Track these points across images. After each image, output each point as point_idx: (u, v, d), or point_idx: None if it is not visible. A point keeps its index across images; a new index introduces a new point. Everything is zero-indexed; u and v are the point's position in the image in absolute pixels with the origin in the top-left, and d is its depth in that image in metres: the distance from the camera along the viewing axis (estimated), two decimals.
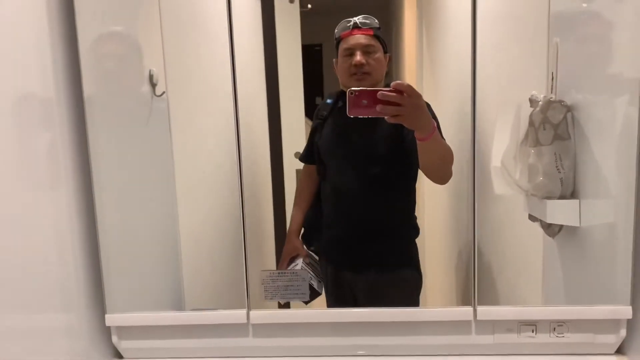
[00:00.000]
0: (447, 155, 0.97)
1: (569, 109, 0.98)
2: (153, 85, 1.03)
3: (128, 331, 1.01)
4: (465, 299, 0.99)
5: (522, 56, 1.03)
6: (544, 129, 1.00)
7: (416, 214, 1.07)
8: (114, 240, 0.99)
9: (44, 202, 0.87)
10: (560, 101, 0.99)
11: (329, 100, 1.07)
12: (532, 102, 1.01)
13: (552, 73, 1.01)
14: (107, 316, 0.99)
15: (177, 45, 1.03)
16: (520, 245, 1.07)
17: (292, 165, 1.11)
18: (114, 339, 1.02)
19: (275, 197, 1.09)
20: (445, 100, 1.05)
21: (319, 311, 1.00)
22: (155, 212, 1.05)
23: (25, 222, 0.82)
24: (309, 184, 1.10)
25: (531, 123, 1.01)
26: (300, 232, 1.10)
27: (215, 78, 1.04)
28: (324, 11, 1.11)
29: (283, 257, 1.07)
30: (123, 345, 1.02)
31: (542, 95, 1.00)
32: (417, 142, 0.93)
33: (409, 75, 1.11)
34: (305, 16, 1.06)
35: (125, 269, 1.00)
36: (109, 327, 1.01)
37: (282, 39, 1.06)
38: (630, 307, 0.91)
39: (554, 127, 0.99)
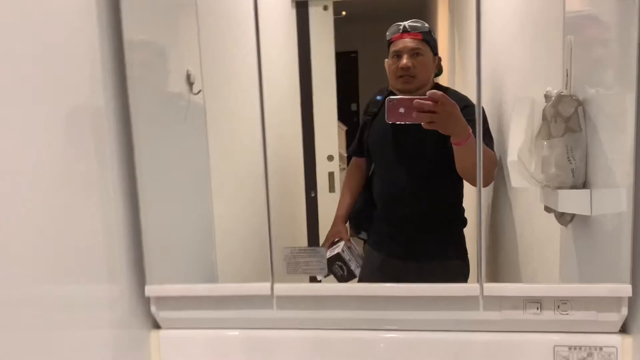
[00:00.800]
0: (485, 162, 1.03)
1: (579, 102, 1.03)
2: (190, 84, 1.13)
3: (165, 302, 1.12)
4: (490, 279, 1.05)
5: (538, 54, 1.09)
6: (556, 122, 1.05)
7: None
8: (154, 222, 1.09)
9: (96, 191, 0.98)
10: (572, 95, 1.04)
11: (379, 97, 1.15)
12: (547, 97, 1.06)
13: (567, 69, 1.06)
14: (147, 287, 1.10)
15: (213, 47, 1.13)
16: (538, 236, 1.13)
17: (324, 168, 1.20)
18: (153, 309, 1.12)
19: (307, 196, 1.18)
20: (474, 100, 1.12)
21: (336, 285, 1.09)
22: (192, 199, 1.16)
23: (79, 208, 0.92)
24: (357, 175, 1.19)
25: (544, 117, 1.06)
26: (346, 217, 1.19)
27: (249, 79, 1.12)
28: (358, 18, 1.18)
29: (327, 238, 1.16)
30: (161, 315, 1.13)
31: (555, 91, 1.05)
32: (453, 146, 1.02)
33: (441, 79, 1.17)
34: (339, 23, 1.14)
35: (164, 246, 1.11)
36: (148, 298, 1.12)
37: (316, 45, 1.14)
38: (630, 285, 0.96)
39: (565, 120, 1.04)
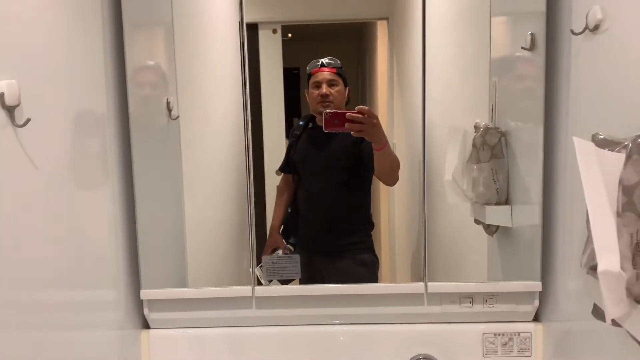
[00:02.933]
0: (395, 163, 1.28)
1: (502, 134, 1.23)
2: (169, 110, 1.28)
3: (156, 304, 1.27)
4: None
5: (469, 91, 1.29)
6: (483, 150, 1.25)
7: (372, 211, 1.37)
8: (148, 231, 1.24)
9: (96, 198, 1.09)
10: (496, 127, 1.24)
11: (301, 122, 1.36)
12: (476, 128, 1.26)
13: (492, 105, 1.26)
14: (142, 291, 1.24)
15: (187, 76, 1.28)
16: (469, 243, 1.34)
17: (274, 182, 1.37)
18: (145, 310, 1.26)
19: (257, 205, 1.32)
20: (411, 121, 1.31)
21: (307, 287, 1.28)
22: (169, 211, 1.31)
23: (80, 215, 1.02)
24: (287, 189, 1.39)
25: (474, 145, 1.25)
26: (280, 228, 1.38)
27: (216, 104, 1.29)
28: (302, 39, 1.36)
29: (266, 248, 1.34)
30: (152, 316, 1.27)
31: (483, 123, 1.25)
32: (374, 151, 1.24)
33: (381, 97, 1.37)
34: (285, 44, 1.31)
35: (156, 254, 1.26)
36: (141, 301, 1.26)
37: (266, 65, 1.30)
38: (540, 282, 1.21)
39: (491, 148, 1.24)
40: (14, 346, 0.78)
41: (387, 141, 1.24)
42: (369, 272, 1.35)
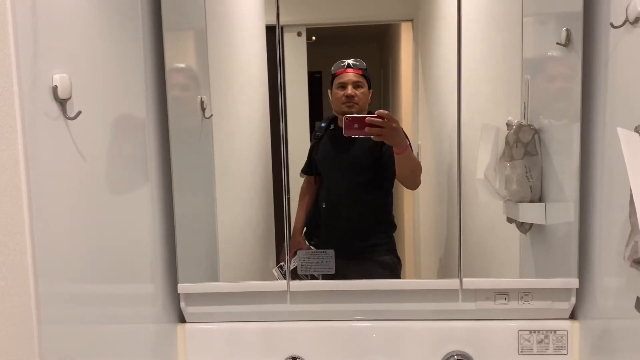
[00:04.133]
0: (417, 168, 1.28)
1: (536, 131, 1.23)
2: (203, 109, 1.31)
3: (192, 298, 1.29)
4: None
5: (500, 90, 1.28)
6: (517, 147, 1.24)
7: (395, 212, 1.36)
8: (185, 224, 1.27)
9: (136, 194, 1.12)
10: (530, 125, 1.23)
11: (323, 124, 1.36)
12: (509, 125, 1.25)
13: (525, 103, 1.26)
14: (179, 285, 1.26)
15: (219, 78, 1.31)
16: (500, 240, 1.33)
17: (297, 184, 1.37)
18: (182, 304, 1.29)
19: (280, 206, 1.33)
20: (437, 123, 1.32)
21: (343, 282, 1.28)
22: (203, 207, 1.33)
23: (121, 209, 1.05)
24: (309, 191, 1.38)
25: (507, 142, 1.25)
26: (302, 230, 1.38)
27: (246, 105, 1.32)
28: (326, 42, 1.36)
29: (289, 250, 1.34)
30: (188, 310, 1.29)
31: (516, 121, 1.25)
32: (395, 155, 1.24)
33: (405, 101, 1.36)
34: (309, 47, 1.32)
35: (193, 249, 1.28)
36: (178, 295, 1.28)
37: (290, 68, 1.29)
38: (577, 279, 1.19)
39: (525, 146, 1.23)
40: (52, 340, 0.79)
41: (408, 145, 1.24)
42: (390, 274, 1.34)
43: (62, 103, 0.80)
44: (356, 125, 1.21)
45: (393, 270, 1.35)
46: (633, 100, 0.96)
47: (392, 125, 1.21)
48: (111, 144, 1.00)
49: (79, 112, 0.82)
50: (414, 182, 1.30)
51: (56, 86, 0.79)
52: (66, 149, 0.83)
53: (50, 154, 0.79)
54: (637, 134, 0.79)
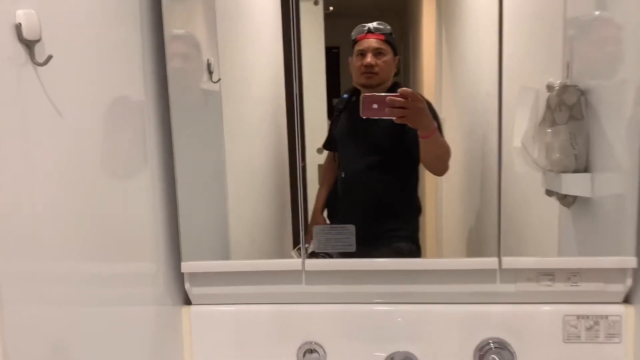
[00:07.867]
0: (444, 153, 1.14)
1: (582, 92, 1.11)
2: (210, 72, 1.19)
3: (197, 278, 1.18)
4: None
5: (540, 49, 1.16)
6: (560, 110, 1.13)
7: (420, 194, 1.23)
8: (189, 202, 1.16)
9: (135, 168, 1.02)
10: (575, 85, 1.12)
11: (345, 96, 1.23)
12: (550, 87, 1.14)
13: (568, 62, 1.14)
14: (182, 264, 1.15)
15: (230, 39, 1.20)
16: (538, 216, 1.21)
17: (314, 160, 1.25)
18: (187, 285, 1.18)
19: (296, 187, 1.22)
20: (463, 94, 1.20)
21: (362, 260, 1.15)
22: (216, 183, 1.23)
23: (126, 191, 0.97)
24: (330, 169, 1.25)
25: (548, 106, 1.14)
26: (323, 209, 1.25)
27: (261, 70, 1.22)
28: (343, 13, 1.24)
29: (308, 230, 1.22)
30: (193, 291, 1.18)
31: (558, 82, 1.13)
32: (420, 139, 1.10)
33: (427, 73, 1.24)
34: (326, 18, 1.20)
35: (197, 225, 1.17)
36: (182, 275, 1.17)
37: (307, 40, 1.18)
38: (635, 258, 1.05)
39: (569, 109, 1.12)
40: (50, 320, 0.74)
41: (435, 128, 1.10)
42: None
43: (28, 45, 0.68)
44: (375, 106, 1.06)
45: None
46: None
47: (417, 106, 1.07)
48: (98, 102, 0.88)
49: (50, 57, 0.69)
50: (439, 168, 1.16)
51: (20, 24, 0.66)
52: (38, 101, 0.71)
53: (17, 107, 0.67)
54: None
